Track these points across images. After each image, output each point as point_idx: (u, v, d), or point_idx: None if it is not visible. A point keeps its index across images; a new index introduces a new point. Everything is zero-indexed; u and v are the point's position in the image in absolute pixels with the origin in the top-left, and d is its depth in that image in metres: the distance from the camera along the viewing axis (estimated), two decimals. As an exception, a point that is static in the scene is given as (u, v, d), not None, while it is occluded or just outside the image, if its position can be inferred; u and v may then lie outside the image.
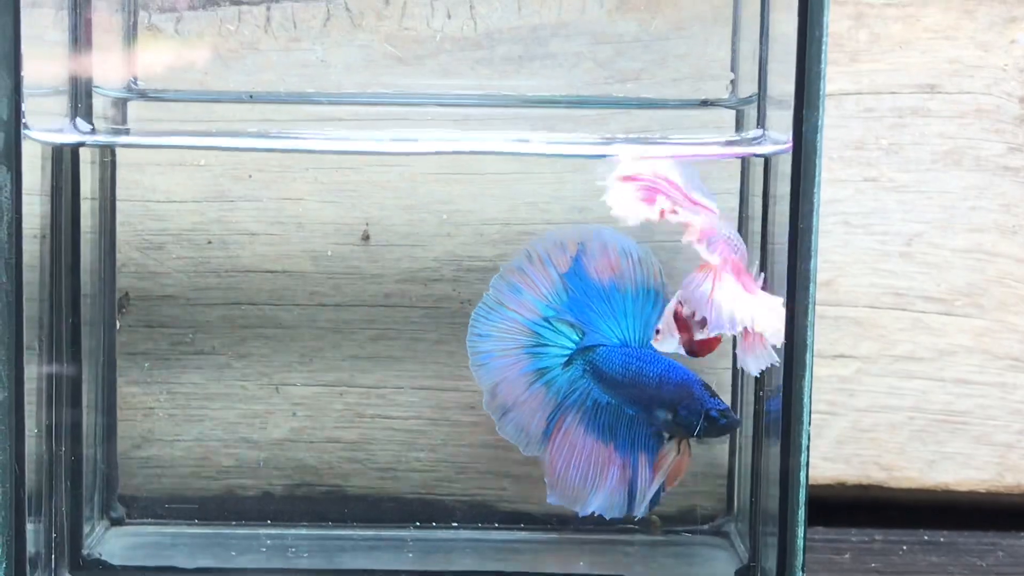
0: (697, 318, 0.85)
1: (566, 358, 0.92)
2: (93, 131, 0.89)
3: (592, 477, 0.91)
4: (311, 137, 0.94)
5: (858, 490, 1.07)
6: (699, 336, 0.86)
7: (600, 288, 0.92)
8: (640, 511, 0.91)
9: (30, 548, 0.84)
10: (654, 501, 0.92)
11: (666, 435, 0.91)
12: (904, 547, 1.05)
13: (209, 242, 1.00)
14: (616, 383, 0.90)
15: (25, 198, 0.82)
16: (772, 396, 0.86)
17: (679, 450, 0.91)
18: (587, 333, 0.92)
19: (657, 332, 0.87)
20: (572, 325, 0.92)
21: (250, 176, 0.99)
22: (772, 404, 0.86)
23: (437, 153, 0.95)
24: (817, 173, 0.81)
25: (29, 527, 0.84)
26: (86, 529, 0.94)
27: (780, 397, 0.83)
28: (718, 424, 0.90)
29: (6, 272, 0.81)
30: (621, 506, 0.91)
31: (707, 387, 0.90)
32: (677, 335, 0.86)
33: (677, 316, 0.86)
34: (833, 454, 1.07)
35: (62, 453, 0.90)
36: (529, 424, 0.92)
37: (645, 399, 0.90)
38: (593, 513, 0.91)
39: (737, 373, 0.96)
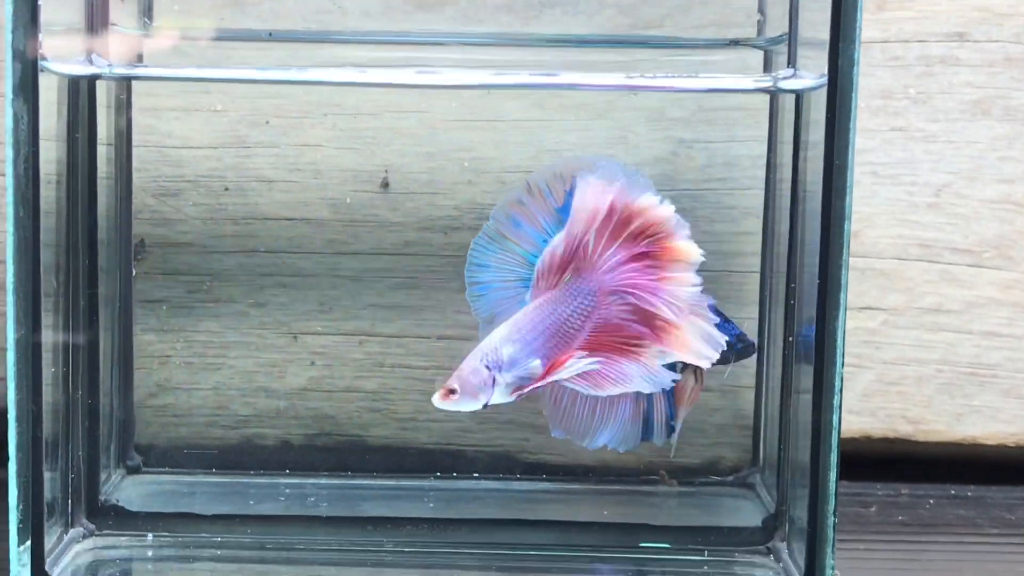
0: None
1: None
2: (111, 64, 0.87)
3: (601, 410, 0.89)
4: (332, 71, 0.92)
5: (884, 444, 1.06)
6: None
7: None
8: (661, 439, 0.89)
9: (47, 494, 0.83)
10: (672, 431, 0.90)
11: (679, 364, 0.88)
12: (931, 501, 1.04)
13: (226, 189, 0.98)
14: None
15: (41, 142, 0.81)
16: (807, 324, 0.84)
17: (696, 379, 0.89)
18: None
19: None
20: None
21: (267, 122, 0.98)
22: (806, 331, 0.84)
23: (461, 87, 0.93)
24: (853, 108, 0.79)
25: (46, 473, 0.83)
26: (103, 477, 0.93)
27: (814, 325, 0.81)
28: (735, 349, 0.88)
29: (23, 207, 0.79)
30: (635, 438, 0.89)
31: (720, 312, 0.88)
32: None
33: None
34: (859, 407, 1.05)
35: (79, 399, 0.89)
36: None
37: None
38: (605, 446, 0.89)
39: (764, 318, 0.95)
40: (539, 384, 0.85)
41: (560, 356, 0.85)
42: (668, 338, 0.85)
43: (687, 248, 0.86)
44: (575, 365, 0.85)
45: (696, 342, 0.86)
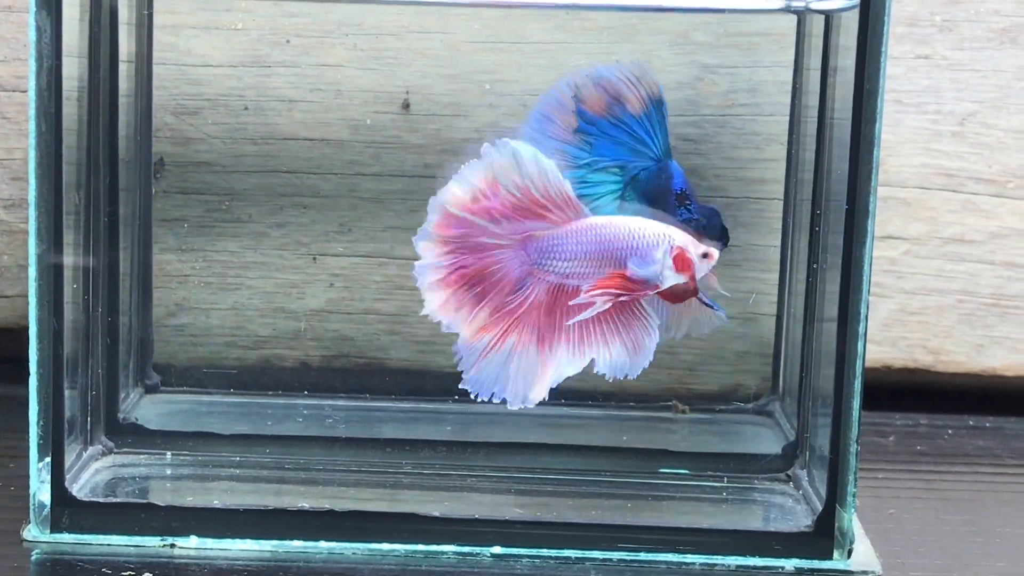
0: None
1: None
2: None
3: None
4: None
5: (904, 374, 1.06)
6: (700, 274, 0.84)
7: (608, 122, 0.89)
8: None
9: (67, 411, 0.83)
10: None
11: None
12: (950, 431, 1.04)
13: (246, 108, 0.97)
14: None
15: (63, 59, 0.80)
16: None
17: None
18: (624, 164, 0.89)
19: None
20: (608, 168, 0.89)
21: (288, 41, 0.97)
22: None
23: (483, 5, 0.92)
24: (885, 31, 0.78)
25: (66, 391, 0.82)
26: (121, 395, 0.92)
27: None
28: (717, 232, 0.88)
29: (45, 122, 0.79)
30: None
31: (689, 195, 0.87)
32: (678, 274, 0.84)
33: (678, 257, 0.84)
34: (879, 337, 1.05)
35: (98, 317, 0.88)
36: None
37: None
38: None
39: (787, 245, 0.94)
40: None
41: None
42: None
43: None
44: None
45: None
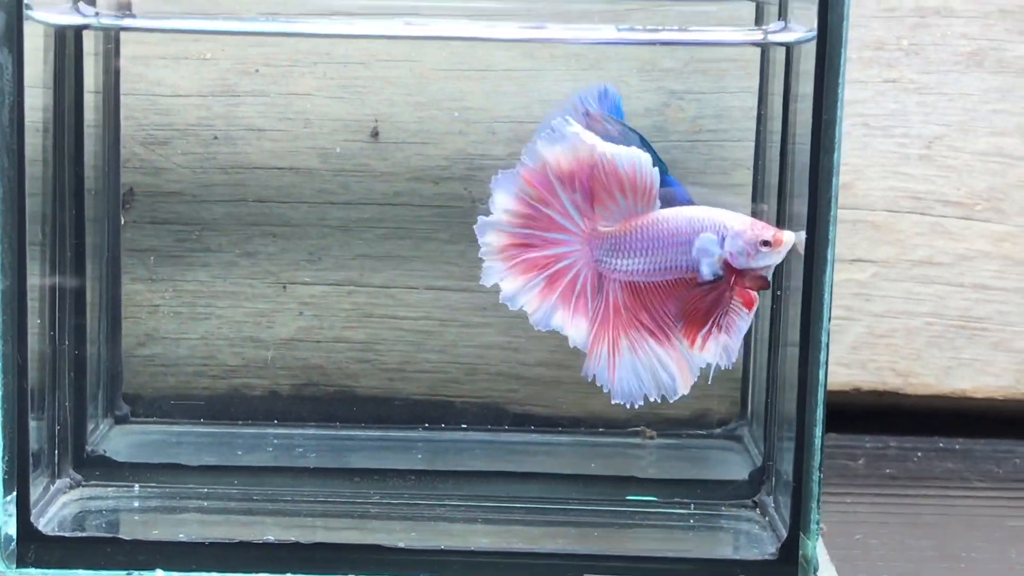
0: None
1: None
2: (97, 15, 0.86)
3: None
4: (323, 21, 0.91)
5: (873, 396, 1.06)
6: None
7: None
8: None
9: (33, 444, 0.83)
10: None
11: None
12: (919, 454, 1.04)
13: (215, 137, 0.98)
14: None
15: (27, 90, 0.80)
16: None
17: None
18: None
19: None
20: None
21: (257, 70, 0.97)
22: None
23: (451, 39, 0.92)
24: (842, 63, 0.79)
25: (32, 424, 0.82)
26: (90, 427, 0.92)
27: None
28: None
29: (8, 157, 0.79)
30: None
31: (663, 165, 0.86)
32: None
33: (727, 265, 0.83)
34: (848, 359, 1.05)
35: (65, 349, 0.88)
36: None
37: None
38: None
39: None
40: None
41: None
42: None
43: None
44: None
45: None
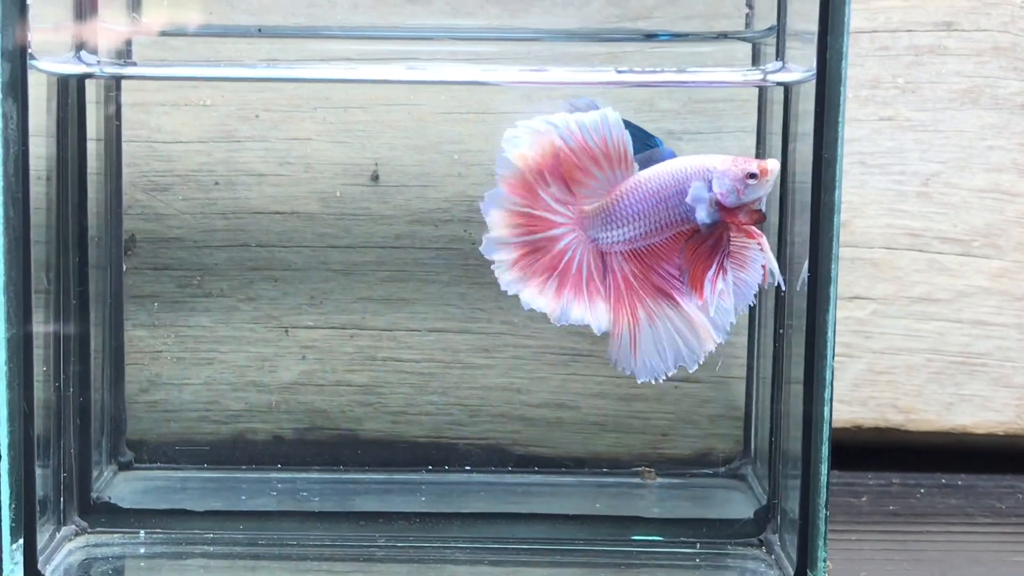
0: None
1: None
2: (100, 63, 0.87)
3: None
4: (323, 66, 0.92)
5: (874, 433, 1.06)
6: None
7: None
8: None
9: (39, 491, 0.83)
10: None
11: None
12: (922, 490, 1.04)
13: (216, 183, 0.98)
14: None
15: (31, 139, 0.80)
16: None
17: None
18: None
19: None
20: None
21: (257, 116, 0.98)
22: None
23: (451, 83, 0.93)
24: (841, 102, 0.79)
25: (38, 470, 0.82)
26: (95, 473, 0.92)
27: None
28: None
29: (13, 206, 0.79)
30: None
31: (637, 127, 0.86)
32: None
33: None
34: (849, 397, 1.05)
35: (70, 396, 0.89)
36: None
37: None
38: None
39: (755, 308, 0.95)
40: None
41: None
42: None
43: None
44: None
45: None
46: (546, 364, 1.00)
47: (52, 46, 0.84)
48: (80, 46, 0.87)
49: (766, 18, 0.92)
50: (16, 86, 0.78)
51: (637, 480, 0.97)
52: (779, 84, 0.88)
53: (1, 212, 0.79)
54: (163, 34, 0.93)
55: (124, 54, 0.93)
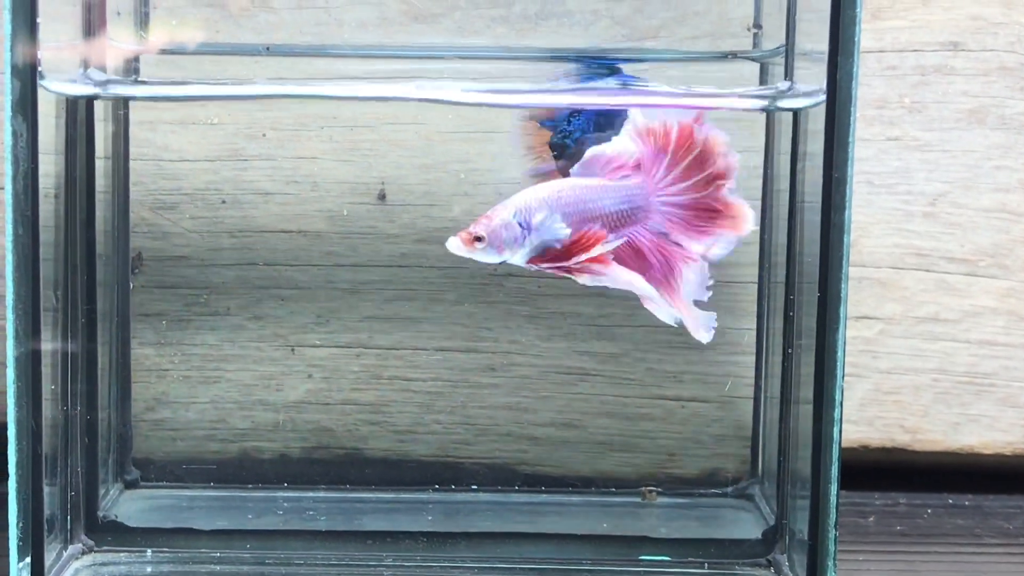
0: None
1: None
2: (108, 82, 0.87)
3: None
4: (330, 84, 0.92)
5: (881, 453, 1.06)
6: None
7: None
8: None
9: (46, 510, 0.83)
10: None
11: None
12: (929, 510, 1.04)
13: (223, 201, 0.98)
14: None
15: (40, 156, 0.80)
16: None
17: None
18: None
19: None
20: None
21: (264, 135, 0.98)
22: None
23: (460, 104, 0.93)
24: (852, 122, 0.79)
25: (45, 489, 0.82)
26: (101, 492, 0.92)
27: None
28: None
29: (22, 225, 0.79)
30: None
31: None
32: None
33: None
34: (856, 416, 1.05)
35: (77, 415, 0.88)
36: None
37: None
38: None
39: (762, 329, 0.95)
40: (559, 265, 0.82)
41: (588, 235, 0.82)
42: (670, 294, 0.85)
43: (745, 213, 0.85)
44: (603, 247, 0.83)
45: (690, 319, 0.85)
46: (553, 383, 0.99)
47: (60, 63, 0.84)
48: (88, 63, 0.87)
49: (774, 36, 0.92)
50: (25, 104, 0.78)
51: (645, 500, 0.97)
52: (789, 110, 0.88)
53: (10, 230, 0.79)
54: (170, 52, 0.93)
55: (132, 70, 0.93)
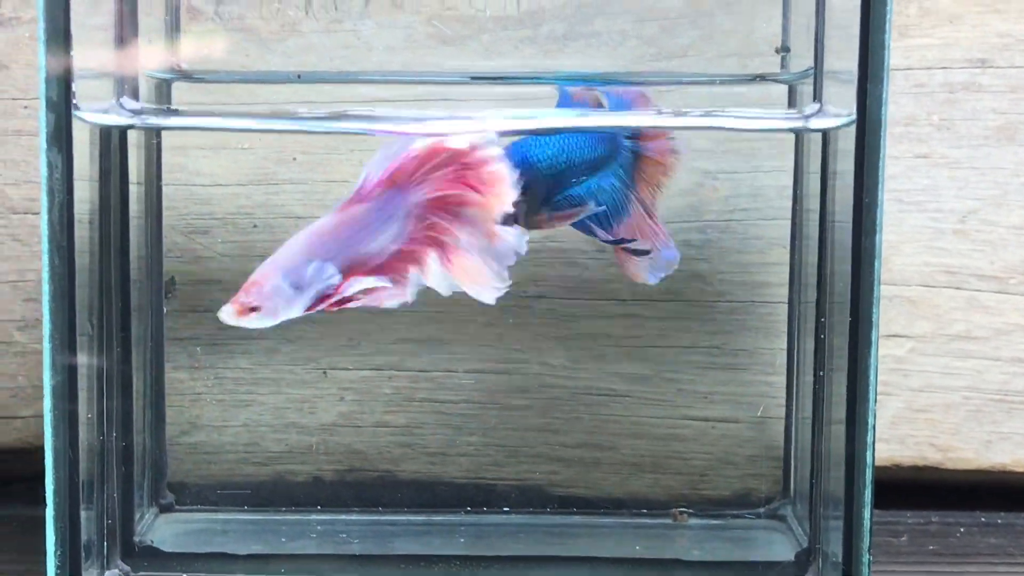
0: None
1: None
2: (142, 111, 0.87)
3: None
4: (366, 116, 0.92)
5: (913, 471, 1.06)
6: None
7: None
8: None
9: (83, 536, 0.83)
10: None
11: None
12: (961, 529, 1.04)
13: (255, 226, 0.99)
14: None
15: (75, 183, 0.81)
16: None
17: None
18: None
19: None
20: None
21: (295, 159, 0.98)
22: None
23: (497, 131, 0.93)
24: (882, 147, 0.79)
25: (82, 515, 0.83)
26: (136, 516, 0.93)
27: None
28: None
29: (58, 255, 0.80)
30: None
31: None
32: None
33: None
34: (887, 435, 1.05)
35: (112, 440, 0.89)
36: None
37: None
38: None
39: (793, 349, 0.95)
40: (331, 301, 0.83)
41: (354, 271, 0.83)
42: (453, 267, 0.85)
43: (500, 171, 0.83)
44: (358, 284, 0.83)
45: (480, 277, 0.85)
46: (583, 405, 1.00)
47: (95, 90, 0.85)
48: (122, 91, 0.87)
49: (802, 55, 0.92)
50: (60, 136, 0.79)
51: (678, 522, 0.97)
52: (818, 131, 0.88)
53: (47, 262, 0.80)
54: (202, 80, 0.93)
55: (164, 97, 0.94)
